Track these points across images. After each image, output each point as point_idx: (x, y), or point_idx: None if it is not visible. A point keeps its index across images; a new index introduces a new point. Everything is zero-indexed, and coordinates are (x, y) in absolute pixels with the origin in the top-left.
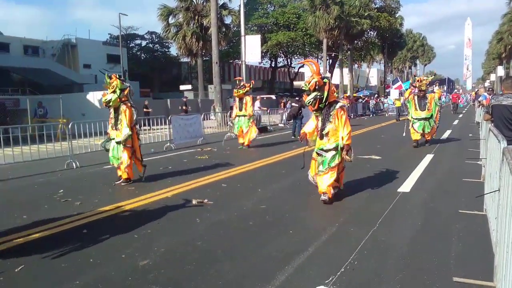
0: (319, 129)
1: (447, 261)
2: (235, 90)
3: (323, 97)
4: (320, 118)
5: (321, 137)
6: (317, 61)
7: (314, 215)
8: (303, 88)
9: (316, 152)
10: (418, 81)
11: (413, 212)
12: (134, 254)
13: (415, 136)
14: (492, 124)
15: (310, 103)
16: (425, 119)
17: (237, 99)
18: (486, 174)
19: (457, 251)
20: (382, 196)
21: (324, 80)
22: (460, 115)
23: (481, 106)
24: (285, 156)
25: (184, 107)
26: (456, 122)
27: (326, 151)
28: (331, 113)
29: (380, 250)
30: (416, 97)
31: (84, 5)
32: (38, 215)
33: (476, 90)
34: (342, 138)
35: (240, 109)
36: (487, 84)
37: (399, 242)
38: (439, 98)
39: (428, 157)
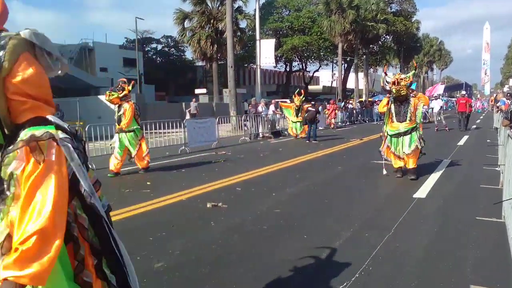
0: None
1: (464, 268)
2: (107, 93)
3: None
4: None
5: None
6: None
7: (328, 220)
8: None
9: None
10: (393, 83)
11: (429, 218)
12: (149, 256)
13: (396, 162)
14: (511, 130)
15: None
16: (404, 133)
17: (116, 108)
18: (504, 180)
19: (474, 258)
20: (398, 202)
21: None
22: (473, 126)
23: (499, 111)
24: (300, 161)
25: (192, 111)
26: (473, 127)
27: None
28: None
29: (395, 256)
30: (393, 104)
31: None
32: None
33: (495, 95)
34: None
35: (119, 121)
36: (506, 89)
37: (414, 248)
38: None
39: (445, 163)
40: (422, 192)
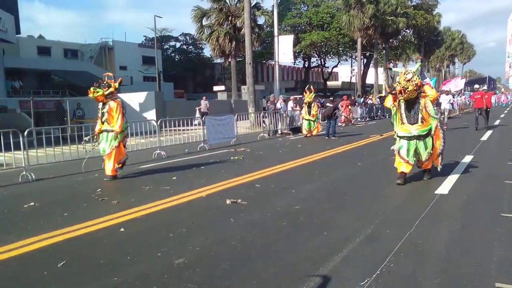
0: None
1: (488, 266)
2: (91, 89)
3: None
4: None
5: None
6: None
7: (348, 216)
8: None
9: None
10: (400, 92)
11: (451, 215)
12: (170, 252)
13: (402, 166)
14: None
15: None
16: (418, 137)
17: (100, 104)
18: None
19: (499, 256)
20: (419, 198)
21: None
22: (498, 121)
23: None
24: (319, 157)
25: (202, 109)
26: (497, 122)
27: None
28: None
29: (417, 253)
30: (403, 103)
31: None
32: (78, 213)
33: None
34: None
35: (102, 120)
36: None
37: (437, 245)
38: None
39: (467, 158)
40: (445, 188)
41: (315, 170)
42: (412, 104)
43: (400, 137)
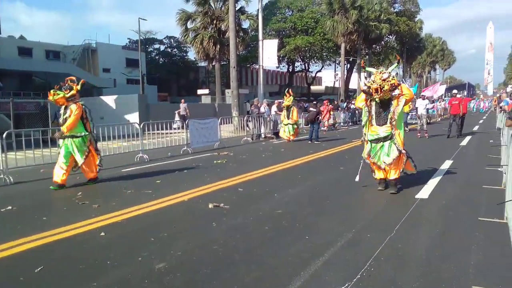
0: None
1: (466, 269)
2: (51, 92)
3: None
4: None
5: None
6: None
7: (330, 221)
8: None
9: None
10: (376, 90)
11: (431, 219)
12: (151, 257)
13: (377, 172)
14: None
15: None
16: (383, 139)
17: (62, 108)
18: (507, 181)
19: (476, 259)
20: (400, 202)
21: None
22: (477, 126)
23: (502, 111)
24: (302, 161)
25: (181, 112)
26: (476, 128)
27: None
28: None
29: (397, 257)
30: (374, 103)
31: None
32: (57, 217)
33: (498, 95)
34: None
35: (61, 123)
36: (509, 89)
37: (416, 249)
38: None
39: (447, 163)
40: (425, 192)
41: (297, 174)
42: (384, 105)
43: (370, 141)
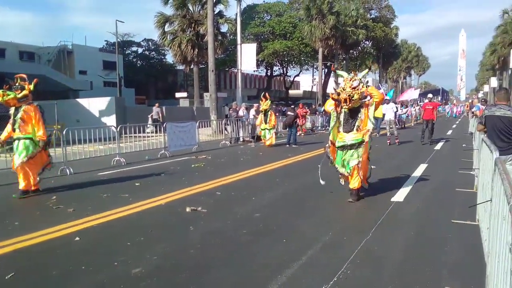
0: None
1: (439, 270)
2: (0, 92)
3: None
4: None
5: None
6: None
7: (308, 224)
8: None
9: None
10: (345, 101)
11: (406, 222)
12: (127, 261)
13: (345, 180)
14: (485, 135)
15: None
16: (350, 146)
17: (12, 109)
18: (479, 184)
19: (450, 260)
20: (376, 205)
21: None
22: (450, 131)
23: (474, 116)
24: (280, 165)
25: (154, 116)
26: (449, 132)
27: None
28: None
29: (373, 259)
30: (343, 110)
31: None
32: (30, 222)
33: (470, 101)
34: None
35: (14, 127)
36: (480, 95)
37: (392, 251)
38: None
39: (422, 167)
40: (400, 195)
41: (275, 178)
42: (353, 112)
43: (337, 148)
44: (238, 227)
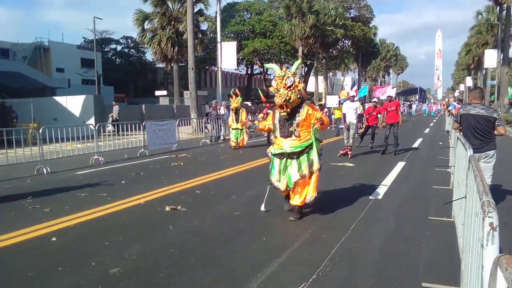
0: None
1: (416, 266)
2: None
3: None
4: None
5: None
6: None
7: (287, 222)
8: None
9: None
10: (277, 90)
11: (384, 219)
12: (105, 261)
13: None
14: (461, 133)
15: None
16: (290, 155)
17: None
18: (454, 181)
19: (426, 257)
20: (355, 203)
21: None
22: (427, 129)
23: (450, 115)
24: (261, 163)
25: (114, 116)
26: (427, 130)
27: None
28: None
29: (352, 257)
30: (277, 111)
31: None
32: (4, 222)
33: (447, 99)
34: None
35: None
36: (456, 94)
37: (370, 248)
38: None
39: (400, 165)
40: (379, 193)
41: (256, 176)
42: (291, 113)
43: (273, 155)
44: (218, 225)
